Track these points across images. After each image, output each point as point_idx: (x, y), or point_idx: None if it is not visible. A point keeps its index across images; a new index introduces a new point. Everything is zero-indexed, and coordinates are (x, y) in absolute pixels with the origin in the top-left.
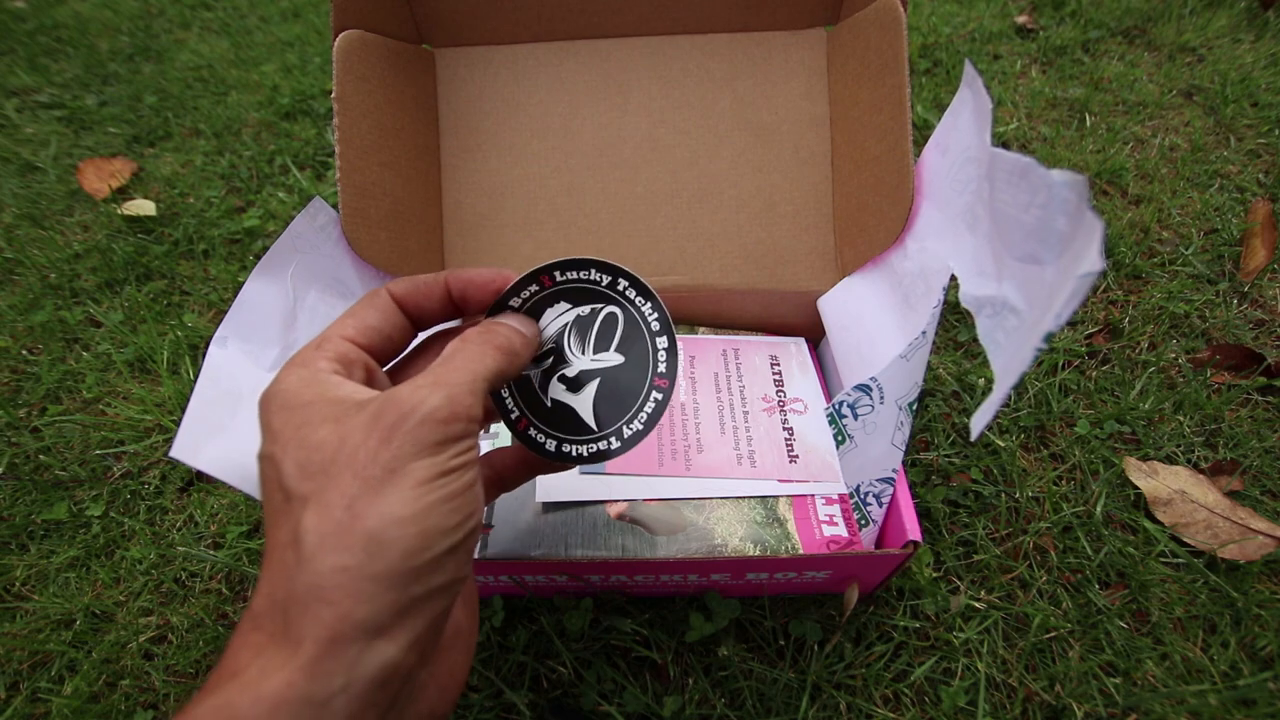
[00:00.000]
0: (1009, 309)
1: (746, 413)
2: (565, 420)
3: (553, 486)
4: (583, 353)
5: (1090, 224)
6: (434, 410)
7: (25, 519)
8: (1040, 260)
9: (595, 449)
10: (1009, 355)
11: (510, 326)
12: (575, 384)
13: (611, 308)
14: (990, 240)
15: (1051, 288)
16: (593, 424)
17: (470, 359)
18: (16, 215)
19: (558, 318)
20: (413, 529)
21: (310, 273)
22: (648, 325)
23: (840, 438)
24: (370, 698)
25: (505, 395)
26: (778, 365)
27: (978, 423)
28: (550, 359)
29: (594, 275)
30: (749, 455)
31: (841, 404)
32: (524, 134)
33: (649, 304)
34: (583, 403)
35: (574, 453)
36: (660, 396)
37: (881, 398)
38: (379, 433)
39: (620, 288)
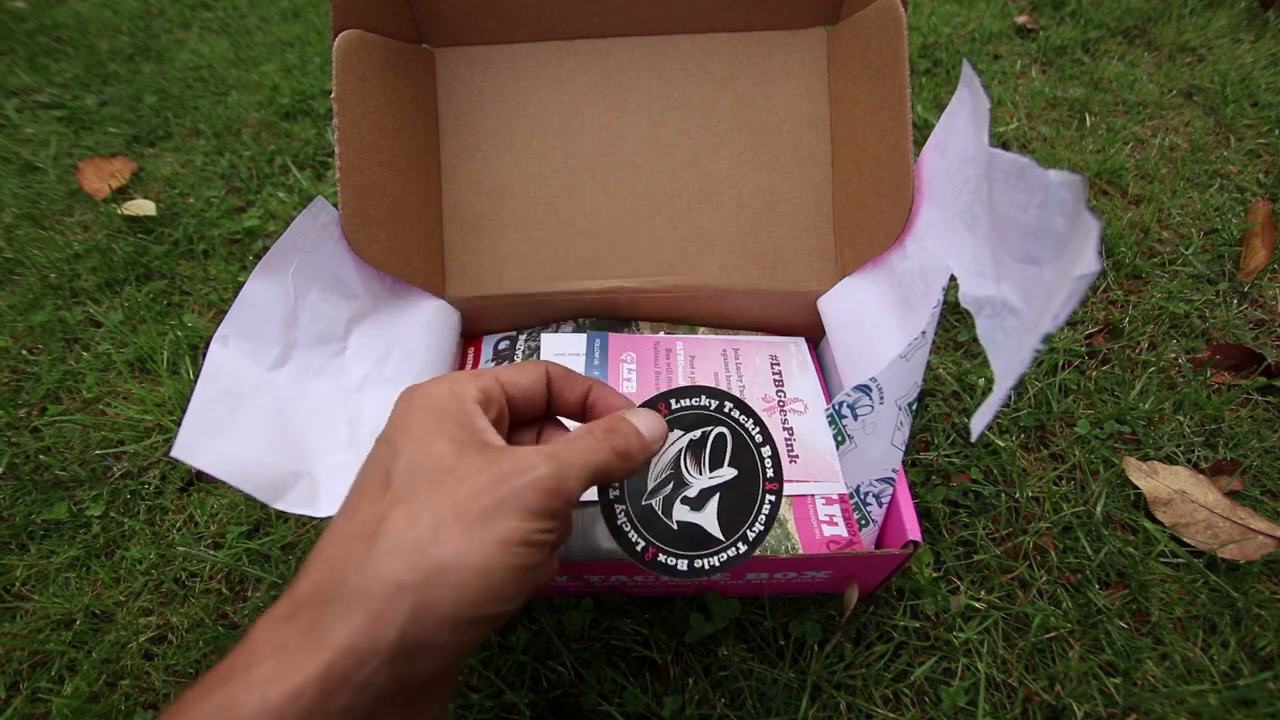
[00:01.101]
0: (1008, 309)
1: None
2: (692, 538)
3: None
4: (700, 473)
5: (1087, 224)
6: (542, 479)
7: (25, 519)
8: (1039, 260)
9: (725, 557)
10: (1008, 356)
11: (633, 427)
12: (698, 503)
13: (720, 428)
14: (989, 240)
15: (1049, 289)
16: (720, 535)
17: (588, 449)
18: (16, 215)
19: (673, 444)
20: (476, 579)
21: (312, 272)
22: (752, 438)
23: (840, 438)
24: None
25: (628, 529)
26: (778, 365)
27: (978, 424)
28: (670, 485)
29: (703, 400)
30: None
31: (841, 404)
32: (524, 134)
33: (750, 419)
34: (707, 518)
35: (706, 565)
36: (774, 498)
37: (881, 398)
38: (490, 479)
39: (727, 409)
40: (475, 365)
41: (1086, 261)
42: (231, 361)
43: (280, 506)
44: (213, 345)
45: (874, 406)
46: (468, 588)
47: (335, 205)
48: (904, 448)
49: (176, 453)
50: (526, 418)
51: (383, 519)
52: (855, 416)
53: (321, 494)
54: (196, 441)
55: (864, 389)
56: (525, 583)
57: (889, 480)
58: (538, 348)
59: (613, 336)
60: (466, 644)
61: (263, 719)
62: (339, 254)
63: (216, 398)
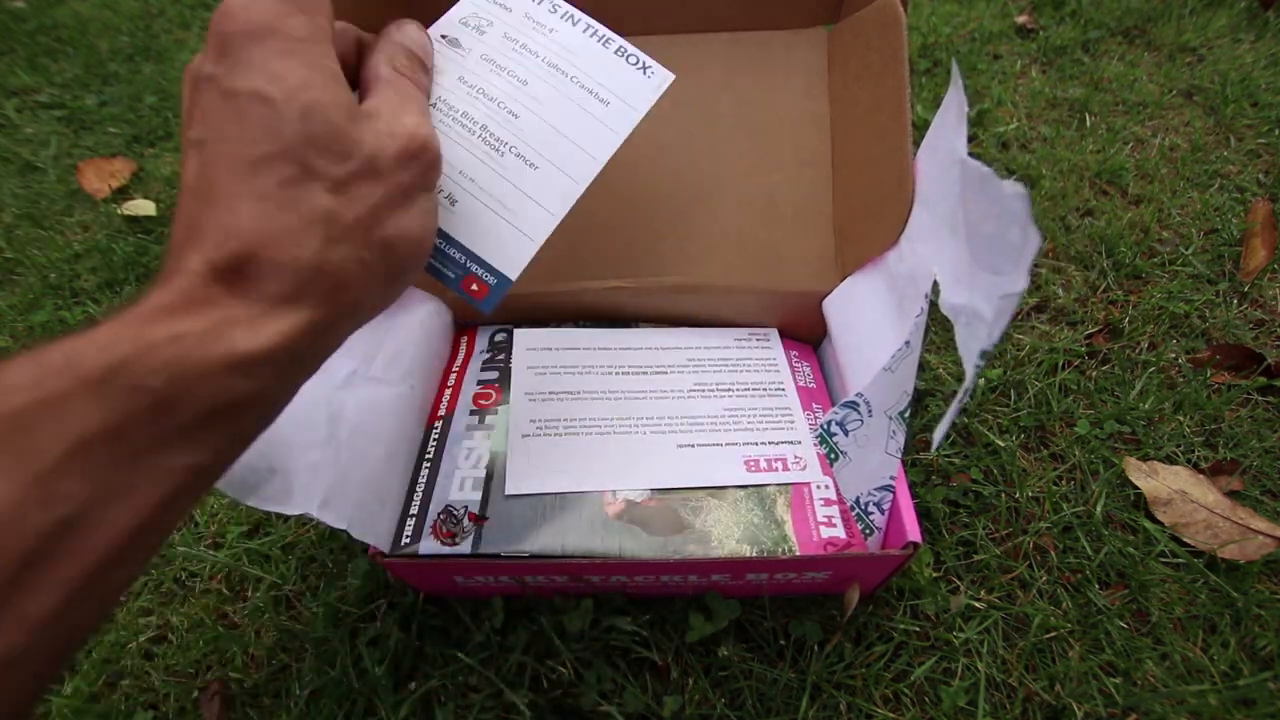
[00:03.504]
0: (980, 319)
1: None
2: None
3: (520, 479)
4: None
5: (1031, 238)
6: (430, 142)
7: None
8: (1001, 271)
9: None
10: (971, 359)
11: (419, 59)
12: None
13: None
14: (967, 249)
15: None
16: None
17: (419, 97)
18: (16, 215)
19: None
20: (414, 249)
21: None
22: None
23: (833, 455)
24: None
25: None
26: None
27: (937, 436)
28: None
29: None
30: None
31: (829, 423)
32: None
33: None
34: None
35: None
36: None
37: (870, 411)
38: (397, 155)
39: None
40: (468, 357)
41: (1016, 280)
42: None
43: (251, 503)
44: None
45: (863, 420)
46: (409, 254)
47: None
48: (899, 454)
49: None
50: None
51: (312, 196)
52: (846, 432)
53: (295, 491)
54: None
55: (851, 404)
56: (432, 242)
57: (888, 488)
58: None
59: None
60: (388, 299)
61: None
62: None
63: None
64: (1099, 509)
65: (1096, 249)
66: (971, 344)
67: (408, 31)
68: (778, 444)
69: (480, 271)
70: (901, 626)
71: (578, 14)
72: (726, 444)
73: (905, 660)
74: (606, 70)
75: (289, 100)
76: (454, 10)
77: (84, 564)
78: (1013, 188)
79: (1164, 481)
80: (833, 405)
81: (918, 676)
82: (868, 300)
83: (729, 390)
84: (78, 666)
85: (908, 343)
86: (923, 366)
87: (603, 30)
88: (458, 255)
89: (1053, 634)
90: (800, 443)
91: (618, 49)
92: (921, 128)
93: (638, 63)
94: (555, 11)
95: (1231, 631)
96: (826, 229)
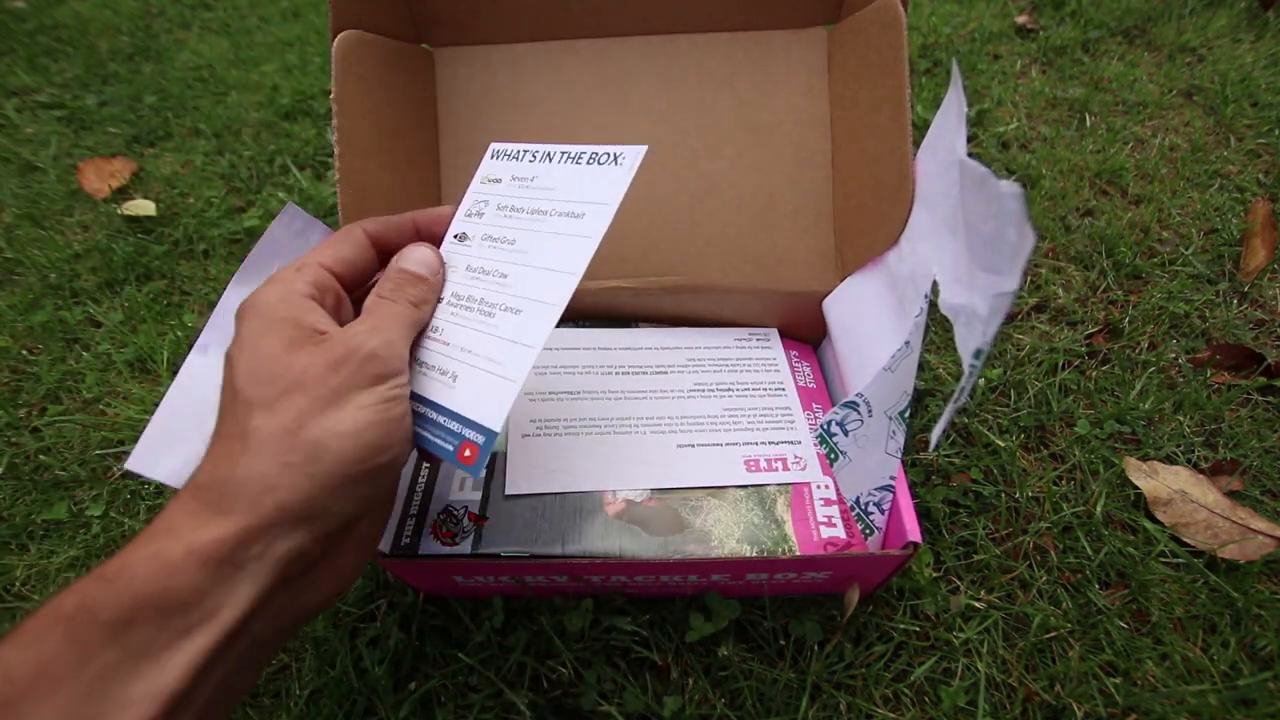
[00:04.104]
0: (978, 319)
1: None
2: None
3: (520, 479)
4: None
5: (1026, 237)
6: (375, 350)
7: (25, 519)
8: (1000, 271)
9: None
10: (967, 368)
11: (409, 274)
12: None
13: None
14: (967, 249)
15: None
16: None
17: (395, 312)
18: (16, 215)
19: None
20: (350, 442)
21: None
22: None
23: (833, 455)
24: (278, 569)
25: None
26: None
27: (935, 436)
28: None
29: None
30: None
31: (830, 423)
32: (524, 134)
33: None
34: None
35: None
36: None
37: (870, 411)
38: (329, 364)
39: None
40: None
41: (1011, 279)
42: (209, 369)
43: None
44: (192, 354)
45: (863, 420)
46: (346, 450)
47: (334, 206)
48: (899, 454)
49: (132, 465)
50: (365, 281)
51: (246, 421)
52: (846, 433)
53: None
54: (156, 453)
55: (851, 405)
56: (397, 429)
57: (888, 488)
58: None
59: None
60: (366, 497)
61: (190, 558)
62: None
63: (185, 407)
64: (1099, 509)
65: (1096, 249)
66: (969, 343)
67: (407, 255)
68: (778, 444)
69: (471, 434)
70: (901, 626)
71: (552, 148)
72: (726, 444)
73: (905, 660)
74: (580, 185)
75: (244, 352)
76: (459, 209)
77: None
78: (1009, 187)
79: (1164, 481)
80: (833, 405)
81: (918, 676)
82: (868, 300)
83: (729, 390)
84: None
85: (907, 342)
86: (922, 366)
87: (575, 148)
88: (454, 425)
89: (1053, 634)
90: (800, 442)
91: (589, 157)
92: (921, 128)
93: (608, 157)
94: (535, 160)
95: (1231, 631)
96: (826, 229)
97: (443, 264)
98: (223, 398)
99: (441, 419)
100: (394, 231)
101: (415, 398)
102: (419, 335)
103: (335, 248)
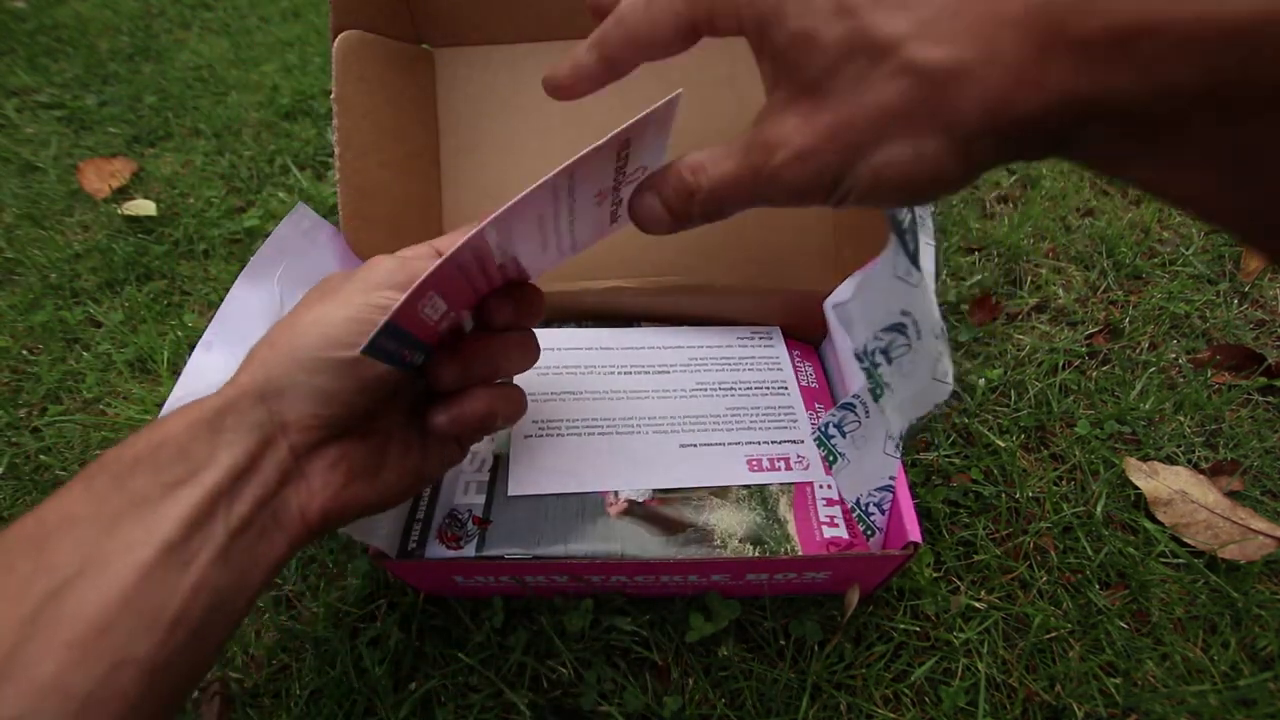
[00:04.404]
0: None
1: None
2: None
3: (523, 481)
4: None
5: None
6: (393, 268)
7: None
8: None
9: None
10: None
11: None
12: None
13: None
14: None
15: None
16: None
17: (424, 253)
18: (16, 215)
19: None
20: (315, 330)
21: (298, 275)
22: None
23: (832, 458)
24: (253, 439)
25: None
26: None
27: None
28: None
29: None
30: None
31: (827, 425)
32: (524, 134)
33: None
34: None
35: None
36: None
37: (867, 412)
38: (353, 276)
39: None
40: None
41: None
42: (212, 366)
43: None
44: (196, 351)
45: (860, 421)
46: (310, 336)
47: (334, 206)
48: (898, 454)
49: None
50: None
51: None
52: (844, 434)
53: None
54: None
55: (848, 406)
56: (363, 331)
57: (888, 488)
58: None
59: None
60: (321, 390)
61: (182, 420)
62: (326, 258)
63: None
64: (1099, 509)
65: (1097, 249)
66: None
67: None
68: (780, 443)
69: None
70: (901, 627)
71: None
72: (729, 443)
73: (905, 660)
74: None
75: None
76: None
77: None
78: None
79: (1164, 482)
80: (835, 404)
81: (918, 677)
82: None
83: (731, 389)
84: None
85: None
86: None
87: None
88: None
89: (1053, 634)
90: (803, 442)
91: None
92: None
93: None
94: None
95: (1232, 632)
96: (826, 229)
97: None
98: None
99: None
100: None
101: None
102: None
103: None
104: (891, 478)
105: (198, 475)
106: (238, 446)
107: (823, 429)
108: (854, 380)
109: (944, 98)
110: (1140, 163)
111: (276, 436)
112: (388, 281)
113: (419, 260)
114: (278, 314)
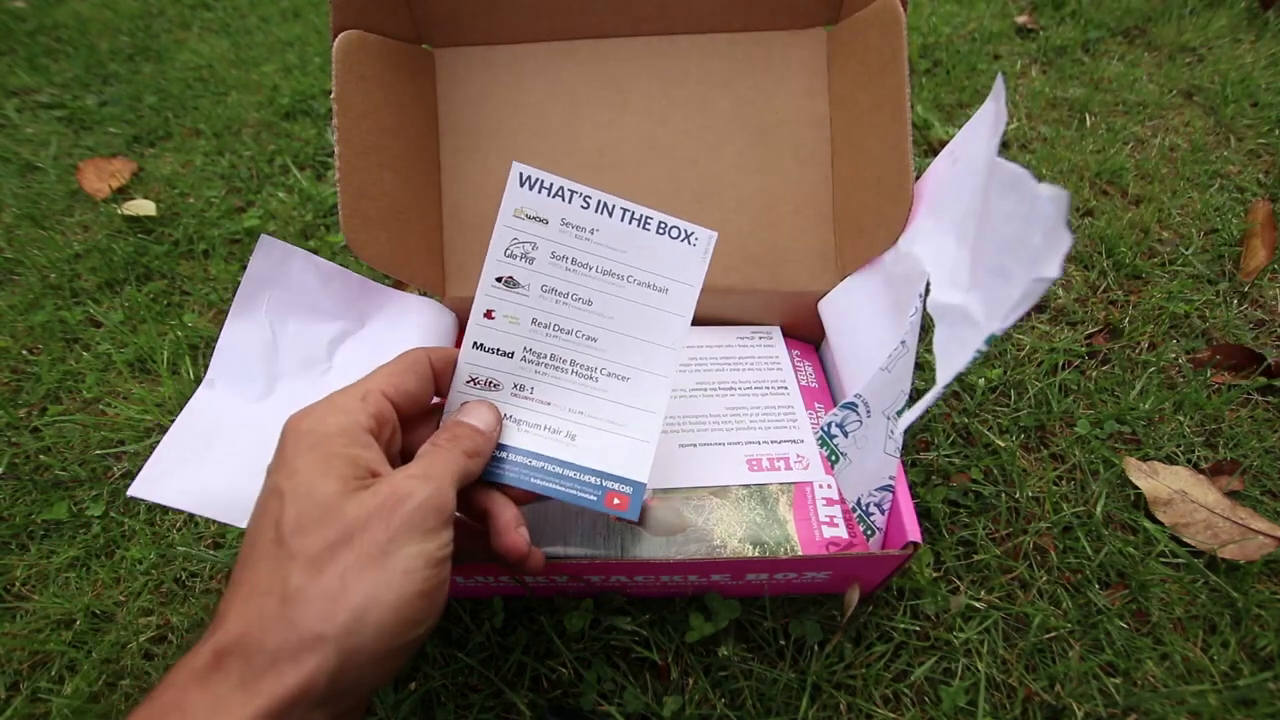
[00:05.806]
0: (967, 320)
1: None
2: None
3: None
4: None
5: (1062, 237)
6: (426, 500)
7: (25, 519)
8: (1008, 273)
9: None
10: (952, 357)
11: (470, 428)
12: None
13: None
14: (972, 251)
15: (1010, 293)
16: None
17: (449, 459)
18: (17, 215)
19: None
20: (391, 615)
21: (284, 305)
22: None
23: (834, 457)
24: None
25: None
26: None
27: (905, 421)
28: None
29: None
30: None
31: (829, 424)
32: (524, 134)
33: None
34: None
35: None
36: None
37: (868, 412)
38: (378, 512)
39: None
40: None
41: (1049, 268)
42: (215, 403)
43: (243, 525)
44: (200, 389)
45: (862, 421)
46: (385, 624)
47: (334, 206)
48: (898, 454)
49: (136, 491)
50: (419, 410)
51: (286, 577)
52: (846, 434)
53: None
54: (161, 478)
55: (850, 405)
56: (436, 601)
57: (888, 488)
58: None
59: None
60: (391, 671)
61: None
62: (306, 283)
63: (189, 440)
64: (1099, 509)
65: (1097, 249)
66: (951, 345)
67: (470, 411)
68: (780, 443)
69: (616, 485)
70: (901, 626)
71: (609, 200)
72: (729, 443)
73: (905, 660)
74: (655, 255)
75: (297, 491)
76: (493, 246)
77: None
78: (1050, 190)
79: (1164, 481)
80: (834, 405)
81: (918, 676)
82: (864, 301)
83: (731, 389)
84: (78, 667)
85: (903, 342)
86: (920, 366)
87: (638, 210)
88: (592, 479)
89: (1053, 634)
90: (803, 441)
91: (658, 226)
92: (922, 128)
93: (680, 234)
94: (588, 207)
95: (1231, 631)
96: (826, 229)
97: (500, 421)
98: (261, 533)
99: (570, 473)
100: (452, 365)
101: (523, 453)
102: (511, 392)
103: (400, 378)
104: (891, 478)
105: None
106: None
107: (825, 428)
108: (851, 382)
109: None
110: None
111: None
112: (435, 519)
113: (442, 480)
114: (271, 346)
